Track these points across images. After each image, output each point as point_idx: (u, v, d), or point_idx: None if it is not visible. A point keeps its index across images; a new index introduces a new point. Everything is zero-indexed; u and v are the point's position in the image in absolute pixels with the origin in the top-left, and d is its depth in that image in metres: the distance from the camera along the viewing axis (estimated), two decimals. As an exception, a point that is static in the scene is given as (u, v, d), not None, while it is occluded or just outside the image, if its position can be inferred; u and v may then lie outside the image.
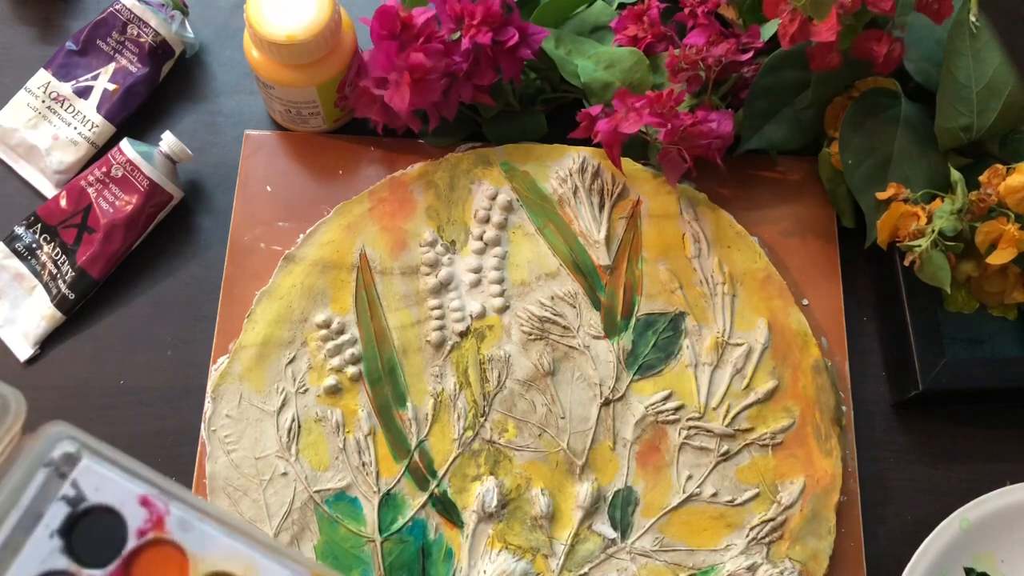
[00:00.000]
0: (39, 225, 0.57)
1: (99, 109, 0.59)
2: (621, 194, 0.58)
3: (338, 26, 0.54)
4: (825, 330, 0.58)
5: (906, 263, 0.52)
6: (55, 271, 0.56)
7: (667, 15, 0.58)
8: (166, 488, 0.39)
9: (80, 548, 0.38)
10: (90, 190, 0.56)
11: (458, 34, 0.54)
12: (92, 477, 0.38)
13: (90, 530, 0.38)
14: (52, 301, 0.56)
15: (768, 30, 0.57)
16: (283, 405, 0.53)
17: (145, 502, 0.39)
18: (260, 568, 0.38)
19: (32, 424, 0.38)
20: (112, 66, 0.59)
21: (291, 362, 0.54)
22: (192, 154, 0.57)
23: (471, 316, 0.55)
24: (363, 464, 0.53)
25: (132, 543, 0.38)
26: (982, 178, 0.52)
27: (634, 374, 0.55)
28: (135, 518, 0.38)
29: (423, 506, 0.53)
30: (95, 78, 0.59)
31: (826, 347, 0.57)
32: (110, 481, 0.38)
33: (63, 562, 0.37)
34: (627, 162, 0.58)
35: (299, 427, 0.53)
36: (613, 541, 0.53)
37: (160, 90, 0.61)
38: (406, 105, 0.53)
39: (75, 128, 0.59)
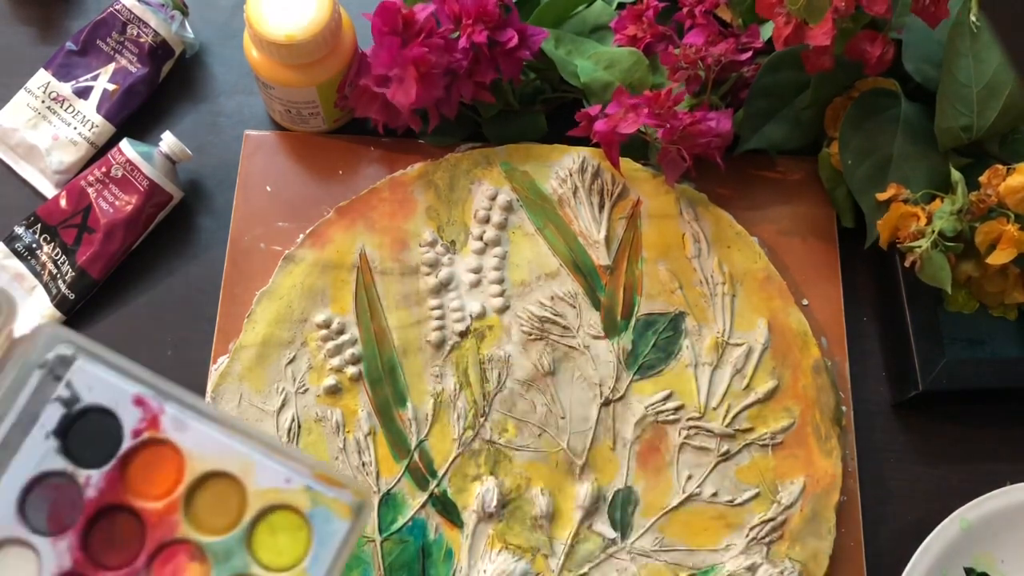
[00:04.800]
0: (39, 225, 0.57)
1: (99, 109, 0.59)
2: (621, 194, 0.58)
3: (338, 26, 0.54)
4: (825, 330, 0.58)
5: (906, 264, 0.52)
6: (55, 271, 0.56)
7: (666, 15, 0.58)
8: (161, 388, 0.39)
9: (76, 448, 0.38)
10: (90, 190, 0.56)
11: (457, 33, 0.54)
12: (86, 378, 0.38)
13: (85, 431, 0.38)
14: (52, 301, 0.56)
15: (767, 30, 0.57)
16: (283, 405, 0.53)
17: (139, 402, 0.38)
18: (258, 466, 0.38)
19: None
20: (112, 66, 0.59)
21: (291, 362, 0.54)
22: (192, 154, 0.57)
23: (471, 316, 0.55)
24: (363, 464, 0.53)
25: (128, 443, 0.38)
26: (982, 178, 0.52)
27: (634, 374, 0.55)
28: (130, 418, 0.38)
29: (423, 506, 0.53)
30: (95, 78, 0.59)
31: (826, 347, 0.57)
32: (104, 382, 0.38)
33: (60, 462, 0.38)
34: (627, 162, 0.58)
35: (299, 427, 0.53)
36: (613, 541, 0.53)
37: (160, 90, 0.61)
38: (412, 100, 0.53)
39: (75, 128, 0.59)
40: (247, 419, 0.53)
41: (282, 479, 0.38)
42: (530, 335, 0.55)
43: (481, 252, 0.57)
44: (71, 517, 0.37)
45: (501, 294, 0.56)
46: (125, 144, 0.56)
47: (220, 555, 0.38)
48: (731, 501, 0.53)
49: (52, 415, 0.38)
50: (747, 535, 0.53)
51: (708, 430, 0.54)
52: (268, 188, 0.58)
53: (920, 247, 0.51)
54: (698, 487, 0.54)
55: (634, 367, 0.55)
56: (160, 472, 0.38)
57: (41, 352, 0.38)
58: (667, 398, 0.55)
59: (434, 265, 0.56)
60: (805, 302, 0.58)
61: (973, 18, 0.52)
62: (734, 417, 0.55)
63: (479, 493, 0.53)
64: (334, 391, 0.54)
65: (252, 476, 0.38)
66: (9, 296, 0.39)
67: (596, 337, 0.56)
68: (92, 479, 0.38)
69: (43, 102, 0.59)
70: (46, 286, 0.56)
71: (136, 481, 0.38)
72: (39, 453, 0.37)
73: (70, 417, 0.38)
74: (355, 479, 0.39)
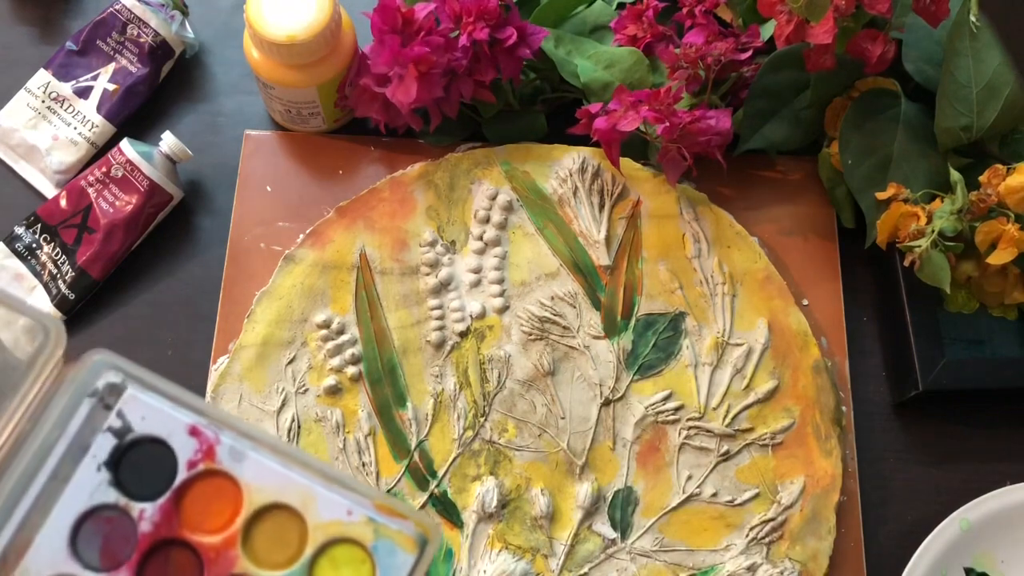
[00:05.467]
0: (39, 225, 0.57)
1: (99, 109, 0.59)
2: (621, 194, 0.58)
3: (338, 26, 0.54)
4: (825, 330, 0.58)
5: (906, 263, 0.52)
6: (55, 271, 0.56)
7: (666, 15, 0.58)
8: (216, 417, 0.37)
9: (129, 481, 0.36)
10: (90, 190, 0.56)
11: (457, 32, 0.54)
12: (138, 407, 0.37)
13: (138, 462, 0.37)
14: (52, 301, 0.56)
15: (767, 30, 0.57)
16: (283, 405, 0.53)
17: (194, 432, 0.37)
18: (319, 498, 0.36)
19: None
20: (112, 66, 0.59)
21: (291, 362, 0.54)
22: (192, 154, 0.57)
23: (471, 316, 0.55)
24: (363, 464, 0.53)
25: (183, 475, 0.36)
26: (982, 178, 0.52)
27: (634, 374, 0.55)
28: (185, 449, 0.37)
29: (423, 506, 0.53)
30: (95, 78, 0.59)
31: (826, 347, 0.57)
32: (157, 411, 0.37)
33: (112, 495, 0.36)
34: (627, 162, 0.58)
35: (299, 427, 0.53)
36: (613, 541, 0.53)
37: (160, 90, 0.61)
38: (412, 99, 0.53)
39: (75, 128, 0.59)
40: (247, 419, 0.53)
41: (344, 511, 0.36)
42: (530, 335, 0.55)
43: (481, 252, 0.57)
44: (125, 552, 0.36)
45: (501, 294, 0.56)
46: (125, 144, 0.56)
47: None
48: (731, 501, 0.53)
49: (104, 445, 0.36)
50: (747, 535, 0.53)
51: (708, 430, 0.54)
52: (268, 188, 0.58)
53: (920, 247, 0.51)
54: (698, 487, 0.54)
55: (634, 367, 0.55)
56: (217, 505, 0.36)
57: (90, 380, 0.37)
58: (667, 398, 0.55)
59: (434, 265, 0.56)
60: (805, 302, 0.58)
61: (973, 18, 0.52)
62: (734, 417, 0.55)
63: (479, 493, 0.53)
64: (334, 391, 0.54)
65: (313, 508, 0.36)
66: (56, 321, 0.37)
67: (596, 337, 0.56)
68: (146, 512, 0.36)
69: (43, 102, 0.59)
70: (46, 286, 0.56)
71: (192, 514, 0.36)
72: (91, 485, 0.36)
73: (122, 448, 0.36)
74: (419, 511, 0.38)
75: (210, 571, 0.36)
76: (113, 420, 0.37)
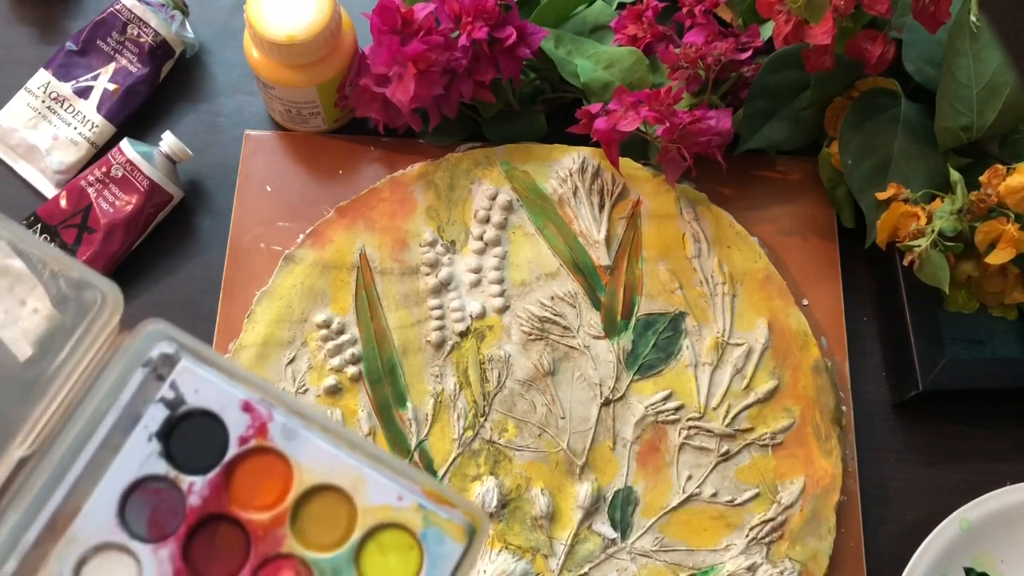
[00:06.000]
0: (39, 225, 0.57)
1: (99, 109, 0.59)
2: (621, 194, 0.58)
3: (338, 26, 0.54)
4: (825, 330, 0.58)
5: (905, 262, 0.52)
6: (55, 271, 0.56)
7: (666, 15, 0.58)
8: (270, 393, 0.37)
9: (179, 453, 0.36)
10: (90, 190, 0.56)
11: (457, 31, 0.54)
12: (192, 379, 0.36)
13: (189, 435, 0.36)
14: (52, 301, 0.56)
15: (767, 30, 0.57)
16: (283, 405, 0.53)
17: (247, 407, 0.36)
18: (368, 481, 0.36)
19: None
20: (112, 66, 0.59)
21: (291, 362, 0.54)
22: (192, 154, 0.57)
23: (471, 316, 0.55)
24: (363, 464, 0.53)
25: (234, 450, 0.36)
26: (982, 178, 0.52)
27: (634, 374, 0.55)
28: (237, 424, 0.36)
29: (423, 506, 0.53)
30: (95, 78, 0.59)
31: (826, 347, 0.57)
32: (211, 384, 0.36)
33: (162, 466, 0.36)
34: (627, 162, 0.58)
35: (299, 427, 0.53)
36: (613, 541, 0.53)
37: (160, 90, 0.61)
38: (410, 97, 0.53)
39: (75, 128, 0.59)
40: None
41: (394, 496, 0.36)
42: (530, 335, 0.55)
43: (481, 252, 0.57)
44: (173, 524, 0.35)
45: (501, 294, 0.56)
46: (125, 144, 0.56)
47: (327, 573, 0.35)
48: (731, 501, 0.53)
49: (155, 416, 0.36)
50: (747, 535, 0.53)
51: (708, 430, 0.54)
52: (268, 188, 0.58)
53: (919, 247, 0.51)
54: (698, 487, 0.54)
55: (634, 367, 0.55)
56: (267, 482, 0.36)
57: (144, 349, 0.36)
58: (667, 398, 0.55)
59: (434, 265, 0.56)
60: (805, 302, 0.58)
61: (973, 18, 0.52)
62: (734, 417, 0.55)
63: (479, 493, 0.53)
64: (334, 391, 0.54)
65: (363, 491, 0.36)
66: (114, 287, 0.36)
67: (596, 337, 0.56)
68: (196, 486, 0.35)
69: (43, 102, 0.59)
70: (46, 286, 0.56)
71: (241, 490, 0.36)
72: (141, 455, 0.35)
73: (174, 420, 0.36)
74: (468, 500, 0.37)
75: (257, 548, 0.35)
76: (166, 391, 0.36)
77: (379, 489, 0.36)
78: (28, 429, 0.36)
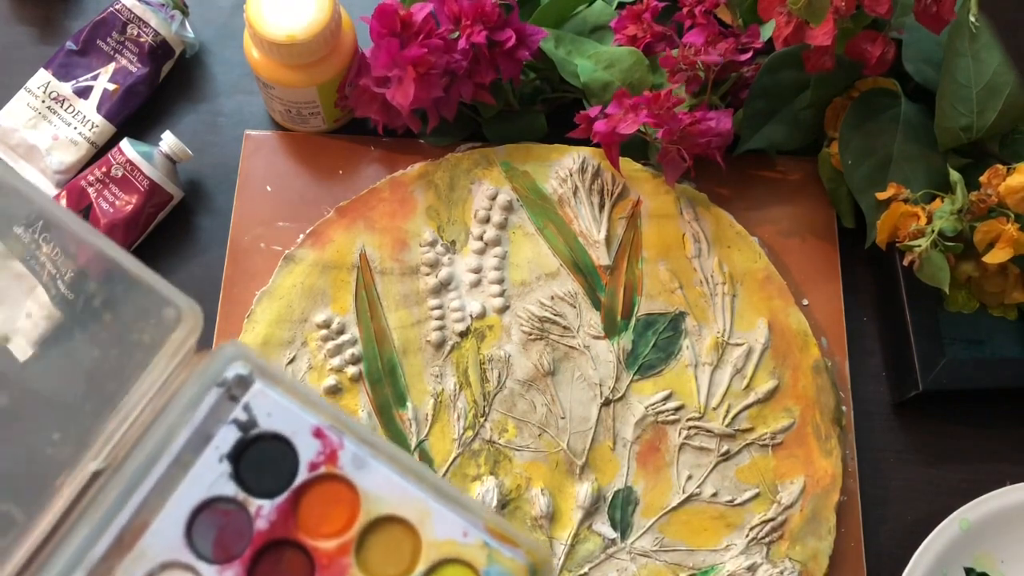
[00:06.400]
0: (39, 224, 0.57)
1: (99, 109, 0.59)
2: (621, 194, 0.58)
3: (338, 26, 0.54)
4: (825, 330, 0.58)
5: (905, 263, 0.52)
6: (55, 271, 0.56)
7: (666, 15, 0.58)
8: (342, 421, 0.37)
9: (249, 476, 0.36)
10: (90, 190, 0.56)
11: (456, 33, 0.54)
12: (265, 402, 0.36)
13: (260, 458, 0.36)
14: (52, 301, 0.56)
15: (767, 30, 0.57)
16: (283, 405, 0.53)
17: (319, 434, 0.36)
18: (435, 514, 0.36)
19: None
20: (112, 66, 0.59)
21: (291, 362, 0.54)
22: (192, 154, 0.57)
23: (471, 316, 0.55)
24: (363, 464, 0.53)
25: (303, 476, 0.36)
26: (982, 178, 0.52)
27: (634, 374, 0.55)
28: (308, 450, 0.36)
29: (423, 506, 0.53)
30: (95, 78, 0.59)
31: (826, 347, 0.57)
32: (283, 408, 0.36)
33: (231, 488, 0.36)
34: (627, 162, 0.58)
35: (299, 427, 0.53)
36: (613, 541, 0.53)
37: (160, 90, 0.61)
38: (409, 100, 0.53)
39: (75, 128, 0.59)
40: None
41: (460, 531, 0.36)
42: (530, 335, 0.55)
43: (481, 252, 0.57)
44: (239, 547, 0.35)
45: (501, 294, 0.56)
46: (125, 144, 0.56)
47: None
48: (731, 501, 0.53)
49: (227, 437, 0.36)
50: (747, 535, 0.53)
51: (708, 430, 0.54)
52: (268, 188, 0.58)
53: (920, 247, 0.51)
54: (698, 487, 0.54)
55: (634, 367, 0.55)
56: (334, 510, 0.36)
57: (219, 369, 0.36)
58: (667, 398, 0.55)
59: (434, 265, 0.56)
60: (805, 302, 0.58)
61: (973, 18, 0.52)
62: (734, 417, 0.55)
63: (479, 493, 0.53)
64: (334, 391, 0.54)
65: (429, 525, 0.36)
66: (195, 306, 0.37)
67: (596, 337, 0.56)
68: (263, 510, 0.36)
69: (43, 102, 0.59)
70: (45, 286, 0.56)
71: (309, 517, 0.36)
72: (211, 476, 0.36)
73: (245, 442, 0.36)
74: (530, 539, 0.37)
75: None
76: (239, 413, 0.36)
77: (445, 523, 0.36)
78: (103, 442, 0.36)
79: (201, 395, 0.36)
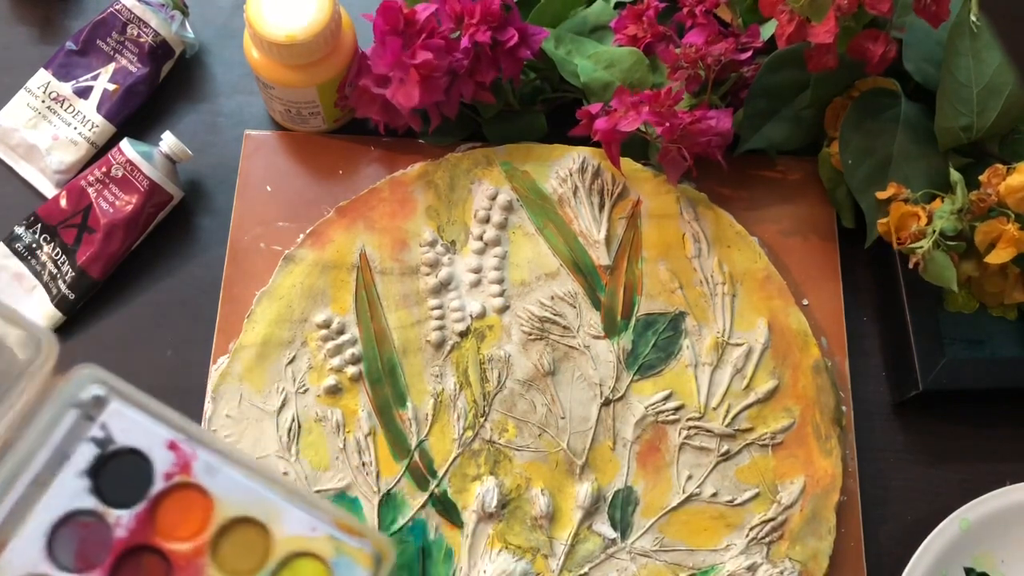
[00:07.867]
0: (39, 225, 0.57)
1: (99, 109, 0.59)
2: (621, 194, 0.58)
3: (338, 26, 0.54)
4: (825, 330, 0.58)
5: (910, 265, 0.52)
6: (55, 271, 0.56)
7: (666, 15, 0.58)
8: (194, 434, 0.39)
9: (107, 489, 0.38)
10: (90, 190, 0.56)
11: (458, 33, 0.54)
12: (121, 420, 0.39)
13: (117, 472, 0.39)
14: (52, 301, 0.56)
15: (768, 30, 0.57)
16: (283, 405, 0.53)
17: (173, 446, 0.39)
18: (284, 514, 0.39)
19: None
20: (112, 66, 0.59)
21: (291, 362, 0.54)
22: (192, 154, 0.57)
23: (471, 316, 0.55)
24: (363, 464, 0.53)
25: (159, 485, 0.39)
26: (982, 178, 0.52)
27: (634, 374, 0.55)
28: (162, 462, 0.39)
29: (423, 506, 0.53)
30: (95, 78, 0.59)
31: (826, 347, 0.57)
32: (139, 425, 0.39)
33: (90, 501, 0.38)
34: (627, 162, 0.58)
35: (299, 427, 0.53)
36: (613, 541, 0.53)
37: (160, 90, 0.61)
38: (415, 103, 0.53)
39: (75, 128, 0.59)
40: (247, 419, 0.53)
41: (308, 527, 0.39)
42: (530, 335, 0.55)
43: (481, 252, 0.57)
44: (99, 556, 0.38)
45: (501, 294, 0.56)
46: (125, 144, 0.56)
47: None
48: (731, 501, 0.53)
49: (85, 455, 0.38)
50: (747, 535, 0.53)
51: (708, 430, 0.54)
52: (268, 188, 0.58)
53: (922, 248, 0.51)
54: (698, 487, 0.54)
55: (634, 367, 0.55)
56: (189, 515, 0.39)
57: (76, 392, 0.39)
58: (667, 398, 0.55)
59: (434, 265, 0.56)
60: (805, 302, 0.58)
61: (973, 18, 0.52)
62: (734, 417, 0.55)
63: (479, 493, 0.53)
64: (334, 391, 0.54)
65: (278, 523, 0.39)
66: (49, 334, 0.39)
67: (596, 337, 0.56)
68: (122, 519, 0.38)
69: (43, 102, 0.59)
70: (46, 286, 0.56)
71: (165, 523, 0.39)
72: (70, 491, 0.38)
73: (103, 458, 0.39)
74: (375, 530, 0.42)
75: None
76: (96, 431, 0.39)
77: (294, 521, 0.39)
78: None
79: (58, 417, 0.38)
